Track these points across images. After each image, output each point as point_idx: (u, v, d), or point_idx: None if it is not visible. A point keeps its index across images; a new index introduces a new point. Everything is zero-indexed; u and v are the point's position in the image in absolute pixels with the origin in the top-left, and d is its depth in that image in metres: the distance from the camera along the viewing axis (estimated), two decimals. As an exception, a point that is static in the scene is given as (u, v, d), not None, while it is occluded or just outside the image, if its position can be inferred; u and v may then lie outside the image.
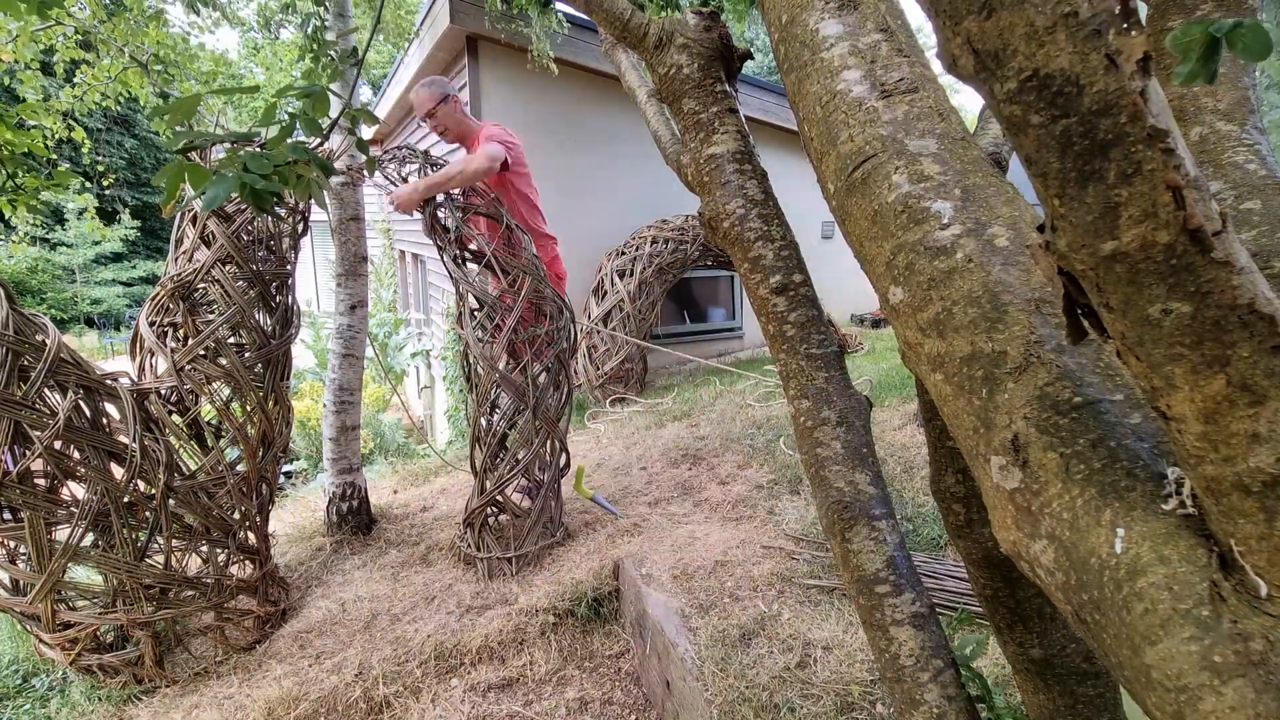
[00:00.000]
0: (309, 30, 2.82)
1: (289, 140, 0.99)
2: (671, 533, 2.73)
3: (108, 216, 15.74)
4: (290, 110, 1.06)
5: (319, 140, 1.01)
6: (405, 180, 2.74)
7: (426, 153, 2.79)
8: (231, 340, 2.32)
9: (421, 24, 5.55)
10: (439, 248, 2.67)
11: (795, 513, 2.77)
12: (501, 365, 2.62)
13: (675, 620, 2.07)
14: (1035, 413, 0.58)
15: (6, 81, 4.06)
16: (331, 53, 2.91)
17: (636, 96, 1.65)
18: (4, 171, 2.18)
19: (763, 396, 4.74)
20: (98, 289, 16.39)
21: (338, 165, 2.97)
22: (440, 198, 2.68)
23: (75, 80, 4.35)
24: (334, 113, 1.27)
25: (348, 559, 2.97)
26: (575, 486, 2.99)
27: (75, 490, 1.99)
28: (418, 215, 2.72)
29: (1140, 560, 0.49)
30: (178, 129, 2.13)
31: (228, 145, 0.98)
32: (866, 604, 0.94)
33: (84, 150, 4.82)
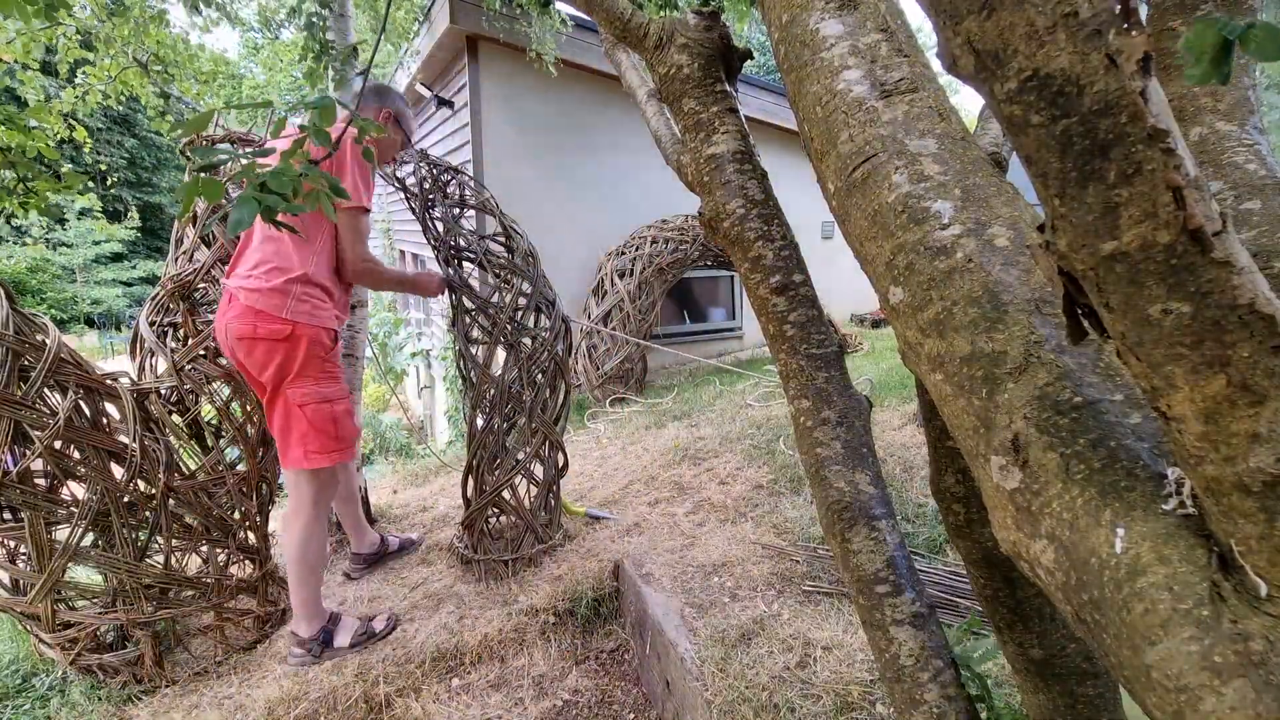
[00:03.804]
0: (310, 28, 2.82)
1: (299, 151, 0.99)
2: (671, 533, 2.73)
3: (111, 216, 15.75)
4: (300, 125, 1.06)
5: (328, 152, 1.01)
6: (400, 180, 2.74)
7: (424, 152, 2.79)
8: (231, 340, 2.31)
9: (421, 24, 5.55)
10: (433, 248, 2.67)
11: (795, 513, 2.77)
12: (497, 366, 2.62)
13: (675, 620, 2.07)
14: (1035, 413, 0.58)
15: (6, 82, 4.06)
16: (333, 51, 2.91)
17: (637, 96, 1.65)
18: (15, 174, 2.19)
19: (763, 396, 4.74)
20: (98, 289, 16.39)
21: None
22: (435, 196, 2.68)
23: (76, 81, 4.35)
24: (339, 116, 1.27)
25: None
26: (565, 510, 2.97)
27: (75, 490, 1.99)
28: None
29: (1140, 560, 0.49)
30: (187, 140, 2.11)
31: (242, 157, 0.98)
32: (866, 604, 0.94)
33: (86, 150, 4.83)
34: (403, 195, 2.79)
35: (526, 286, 2.68)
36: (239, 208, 0.90)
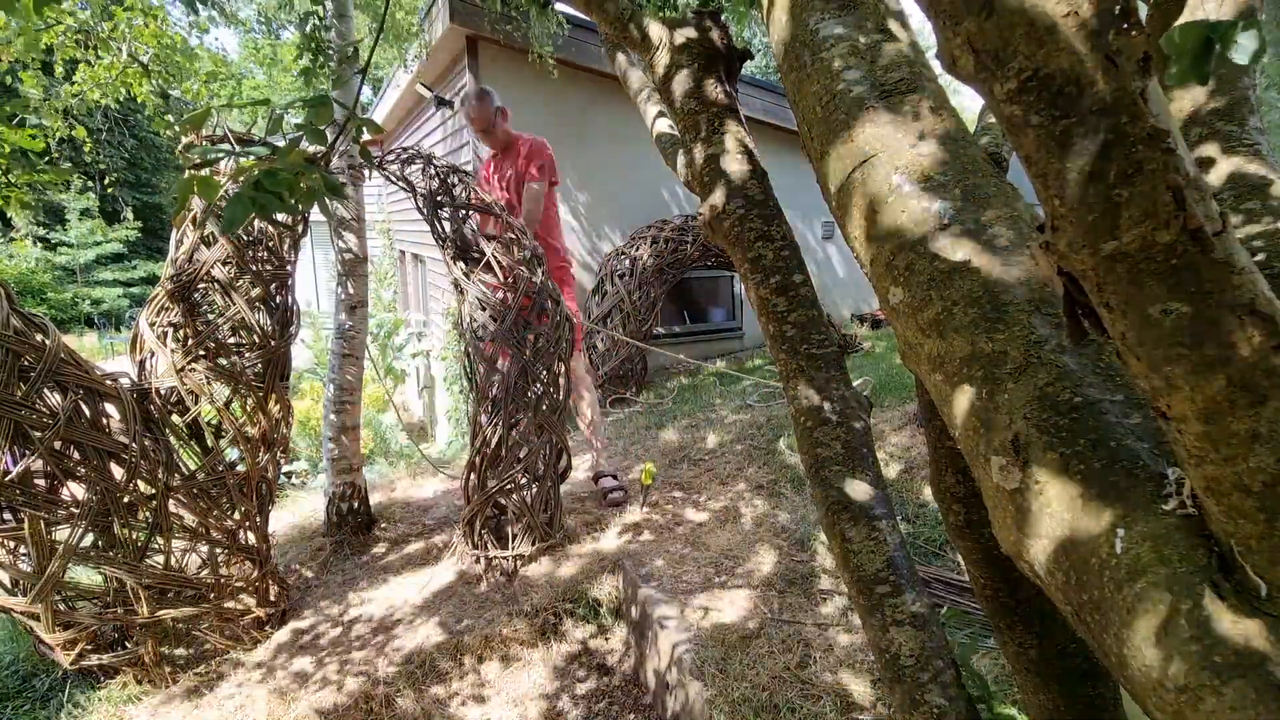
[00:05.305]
0: (308, 29, 2.82)
1: (297, 149, 0.99)
2: (672, 532, 2.73)
3: (109, 216, 15.73)
4: (296, 122, 1.06)
5: (324, 151, 1.01)
6: (408, 181, 2.76)
7: (430, 154, 2.80)
8: (231, 341, 2.32)
9: (421, 24, 5.55)
10: (440, 248, 2.69)
11: (795, 513, 2.77)
12: (501, 365, 2.62)
13: (675, 620, 2.07)
14: (1035, 413, 0.58)
15: (8, 81, 4.05)
16: (332, 50, 2.91)
17: (637, 97, 1.65)
18: None
19: (763, 396, 4.74)
20: (98, 289, 16.37)
21: (337, 164, 2.97)
22: (442, 197, 2.69)
23: (75, 79, 4.34)
24: (337, 114, 1.27)
25: (348, 559, 2.97)
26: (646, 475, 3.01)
27: (75, 490, 1.99)
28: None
29: (1140, 560, 0.49)
30: (184, 139, 2.13)
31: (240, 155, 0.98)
32: (866, 604, 0.94)
33: (86, 149, 4.81)
34: (410, 196, 2.81)
35: (529, 286, 2.69)
36: (231, 207, 0.89)
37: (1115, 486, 0.52)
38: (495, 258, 2.65)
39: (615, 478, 3.27)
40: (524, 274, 2.66)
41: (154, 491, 2.05)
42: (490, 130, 3.12)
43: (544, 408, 2.65)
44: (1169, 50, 0.42)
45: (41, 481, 1.95)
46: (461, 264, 2.68)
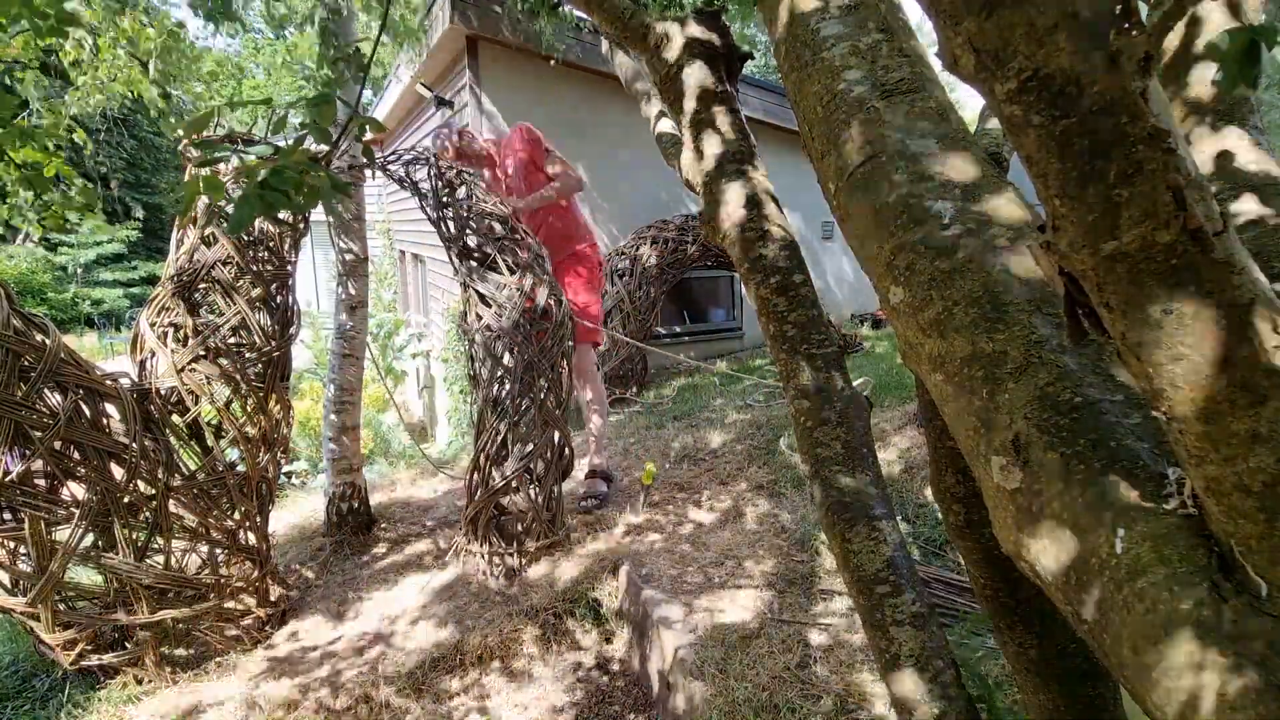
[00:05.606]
0: (324, 37, 2.82)
1: (301, 148, 0.99)
2: (672, 532, 2.73)
3: (111, 217, 15.75)
4: (300, 121, 1.06)
5: (328, 150, 1.01)
6: (413, 181, 2.77)
7: (435, 156, 2.82)
8: (232, 341, 2.32)
9: (421, 24, 5.55)
10: (445, 247, 2.69)
11: (796, 513, 2.77)
12: (507, 361, 2.62)
13: (675, 620, 2.07)
14: (1036, 413, 0.58)
15: (6, 81, 4.04)
16: (345, 51, 2.91)
17: (638, 97, 1.65)
18: (33, 192, 2.19)
19: (763, 396, 4.74)
20: (98, 289, 16.37)
21: (337, 164, 2.97)
22: (447, 197, 2.71)
23: (77, 83, 4.33)
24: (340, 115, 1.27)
25: (348, 559, 2.97)
26: (646, 476, 3.02)
27: (75, 490, 1.99)
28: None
29: (1140, 560, 0.49)
30: (189, 139, 2.13)
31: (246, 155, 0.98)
32: (866, 604, 0.94)
33: (86, 152, 4.81)
34: (415, 196, 2.82)
35: (533, 285, 2.70)
36: (240, 207, 0.89)
37: (1115, 486, 0.52)
38: (501, 257, 2.66)
39: (609, 480, 3.25)
40: (529, 273, 2.67)
41: (154, 492, 2.05)
42: (467, 157, 3.06)
43: (549, 404, 2.66)
44: (1215, 56, 0.42)
45: (41, 481, 1.95)
46: (468, 262, 2.69)
